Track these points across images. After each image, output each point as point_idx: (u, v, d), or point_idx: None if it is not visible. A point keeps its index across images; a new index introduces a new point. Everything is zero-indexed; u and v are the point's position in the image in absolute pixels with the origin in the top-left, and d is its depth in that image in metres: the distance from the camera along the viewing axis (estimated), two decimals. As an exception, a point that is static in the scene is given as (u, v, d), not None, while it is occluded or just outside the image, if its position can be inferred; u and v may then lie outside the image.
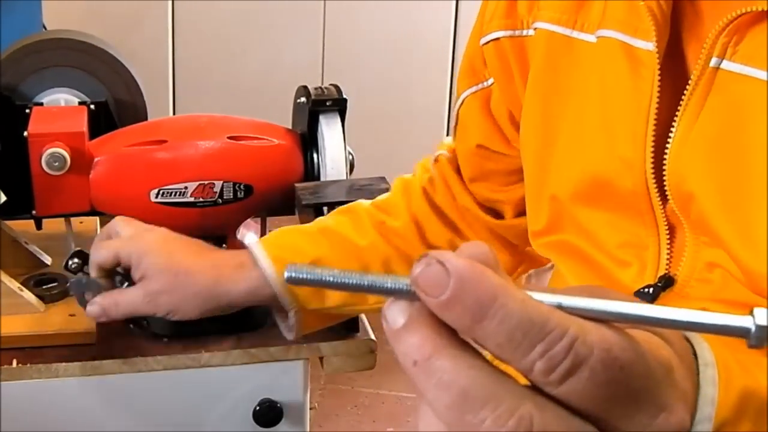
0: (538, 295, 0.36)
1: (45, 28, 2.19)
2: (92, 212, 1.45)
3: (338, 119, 1.48)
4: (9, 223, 1.45)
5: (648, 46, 0.69)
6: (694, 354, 0.41)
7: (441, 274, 0.34)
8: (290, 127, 1.83)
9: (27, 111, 1.55)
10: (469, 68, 0.93)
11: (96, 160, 1.44)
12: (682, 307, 0.71)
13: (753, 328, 0.34)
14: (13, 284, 1.28)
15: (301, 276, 0.38)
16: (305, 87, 1.90)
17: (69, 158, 1.39)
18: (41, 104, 1.67)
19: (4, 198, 1.51)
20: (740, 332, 0.34)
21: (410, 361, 0.35)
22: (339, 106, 1.50)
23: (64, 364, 1.22)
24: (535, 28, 0.81)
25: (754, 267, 0.63)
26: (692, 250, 0.68)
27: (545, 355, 0.34)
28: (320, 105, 1.74)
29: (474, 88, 0.94)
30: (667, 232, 0.70)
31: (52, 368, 1.22)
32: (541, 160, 0.81)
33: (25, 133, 1.41)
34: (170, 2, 3.14)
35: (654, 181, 0.68)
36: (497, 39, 0.87)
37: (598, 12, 0.75)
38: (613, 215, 0.74)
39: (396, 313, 0.36)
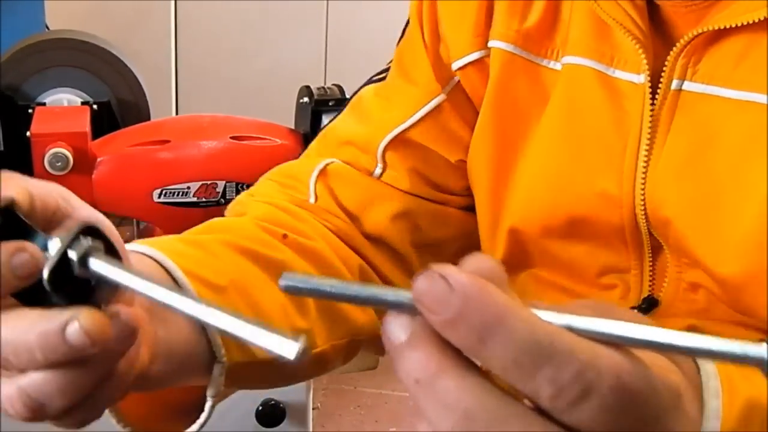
0: (546, 315, 0.34)
1: (48, 28, 2.19)
2: (95, 212, 1.44)
3: (341, 119, 1.48)
4: (12, 223, 1.45)
5: (632, 78, 0.66)
6: (697, 366, 0.40)
7: (444, 291, 0.32)
8: (293, 127, 1.84)
9: (30, 111, 1.55)
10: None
11: (99, 160, 1.44)
12: (668, 325, 0.70)
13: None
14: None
15: (297, 285, 0.36)
16: (308, 87, 1.90)
17: (72, 158, 1.39)
18: (44, 104, 1.67)
19: (6, 198, 1.50)
20: (756, 362, 0.33)
21: (412, 379, 0.33)
22: (341, 106, 1.49)
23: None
24: (489, 47, 0.75)
25: (732, 284, 0.62)
26: (674, 272, 0.67)
27: (553, 381, 0.32)
28: (323, 105, 1.74)
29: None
30: (650, 255, 0.68)
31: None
32: (496, 190, 0.76)
33: (28, 133, 1.41)
34: (173, 2, 3.14)
35: (643, 214, 0.66)
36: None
37: (563, 36, 0.71)
38: (593, 246, 0.70)
39: (398, 328, 0.34)
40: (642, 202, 0.65)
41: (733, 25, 0.59)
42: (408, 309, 0.34)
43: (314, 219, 0.77)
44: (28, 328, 0.42)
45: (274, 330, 0.35)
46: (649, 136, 0.64)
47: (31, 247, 0.41)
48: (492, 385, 0.33)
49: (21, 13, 2.07)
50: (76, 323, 0.41)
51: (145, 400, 0.59)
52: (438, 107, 0.78)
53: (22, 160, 1.41)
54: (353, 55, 3.14)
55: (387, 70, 0.84)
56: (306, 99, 1.72)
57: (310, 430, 1.36)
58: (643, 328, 0.34)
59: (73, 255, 0.40)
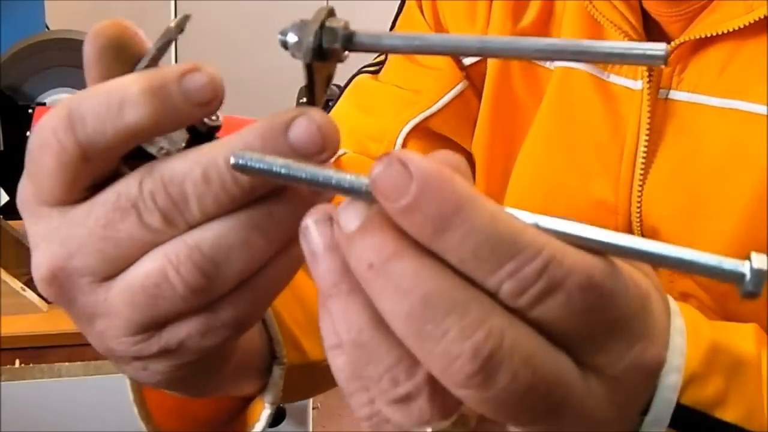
0: (513, 211, 0.31)
1: (47, 28, 2.19)
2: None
3: (341, 119, 1.48)
4: (12, 223, 1.45)
5: (629, 83, 0.65)
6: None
7: (402, 176, 0.29)
8: (293, 127, 1.83)
9: (30, 111, 1.56)
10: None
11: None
12: None
13: (748, 274, 0.30)
14: (16, 284, 1.28)
15: (249, 164, 0.33)
16: (308, 87, 1.90)
17: (72, 158, 1.38)
18: (44, 104, 1.67)
19: (6, 198, 1.51)
20: (733, 277, 0.30)
21: (365, 264, 0.30)
22: (341, 106, 1.49)
23: (66, 363, 1.22)
24: None
25: (717, 291, 0.62)
26: (666, 281, 0.67)
27: (515, 276, 0.30)
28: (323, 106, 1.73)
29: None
30: None
31: (55, 368, 1.22)
32: (491, 192, 0.74)
33: (28, 134, 1.41)
34: (173, 2, 3.14)
35: (638, 221, 0.66)
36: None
37: (557, 34, 0.70)
38: None
39: (351, 215, 0.31)
40: (638, 210, 0.65)
41: (716, 34, 0.59)
42: (364, 196, 0.31)
43: None
44: (247, 134, 0.36)
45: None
46: (646, 143, 0.64)
47: (207, 67, 0.35)
48: (454, 272, 0.30)
49: (21, 13, 2.07)
50: (304, 118, 0.36)
51: (177, 413, 0.56)
52: (462, 94, 0.76)
53: (22, 160, 1.41)
54: (352, 56, 3.13)
55: (379, 63, 0.81)
56: (306, 99, 1.71)
57: (310, 430, 1.36)
58: (617, 234, 0.31)
59: (338, 26, 0.34)
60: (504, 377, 0.30)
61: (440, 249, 0.30)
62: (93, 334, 0.38)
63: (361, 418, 0.33)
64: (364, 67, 0.83)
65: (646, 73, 0.63)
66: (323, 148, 0.35)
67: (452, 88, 0.75)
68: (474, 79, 0.75)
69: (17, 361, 1.21)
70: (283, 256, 0.37)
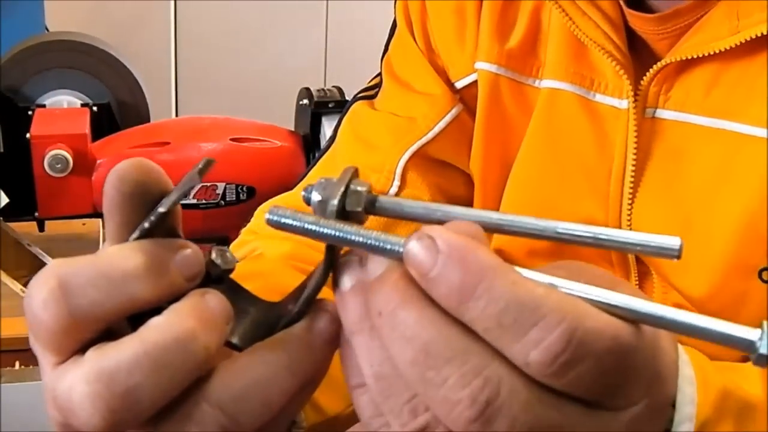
0: (532, 275, 0.32)
1: (47, 30, 2.19)
2: (95, 214, 1.45)
3: (341, 121, 1.48)
4: (11, 224, 1.45)
5: (614, 102, 0.64)
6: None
7: (430, 251, 0.32)
8: (292, 129, 1.84)
9: (29, 113, 1.55)
10: None
11: (98, 162, 1.44)
12: None
13: (760, 344, 0.30)
14: (16, 286, 1.28)
15: (282, 221, 0.35)
16: (307, 89, 1.90)
17: (71, 160, 1.39)
18: (44, 106, 1.67)
19: (6, 200, 1.51)
20: (742, 345, 0.31)
21: (377, 312, 0.33)
22: (341, 108, 1.50)
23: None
24: (476, 70, 0.72)
25: (707, 308, 0.61)
26: (660, 293, 0.67)
27: (540, 342, 0.30)
28: (323, 107, 1.74)
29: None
30: (637, 277, 0.68)
31: (55, 370, 1.22)
32: (487, 209, 0.75)
33: (28, 135, 1.41)
34: (173, 4, 3.14)
35: None
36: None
37: (545, 52, 0.69)
38: None
39: (378, 264, 0.34)
40: (628, 228, 0.65)
41: (700, 55, 0.59)
42: (395, 256, 0.33)
43: None
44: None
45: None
46: (634, 162, 0.64)
47: (193, 245, 0.37)
48: (457, 322, 0.32)
49: (21, 14, 2.07)
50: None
51: None
52: (457, 118, 0.76)
53: (21, 161, 1.41)
54: (353, 57, 3.13)
55: (375, 86, 0.81)
56: (306, 101, 1.72)
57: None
58: (633, 300, 0.32)
59: (361, 190, 0.35)
60: (502, 423, 0.31)
61: (467, 319, 0.31)
62: None
63: None
64: (360, 92, 0.83)
65: (632, 93, 0.63)
66: None
67: (447, 113, 0.75)
68: (468, 101, 0.75)
69: (17, 363, 1.21)
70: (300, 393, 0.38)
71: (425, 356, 0.31)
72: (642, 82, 0.62)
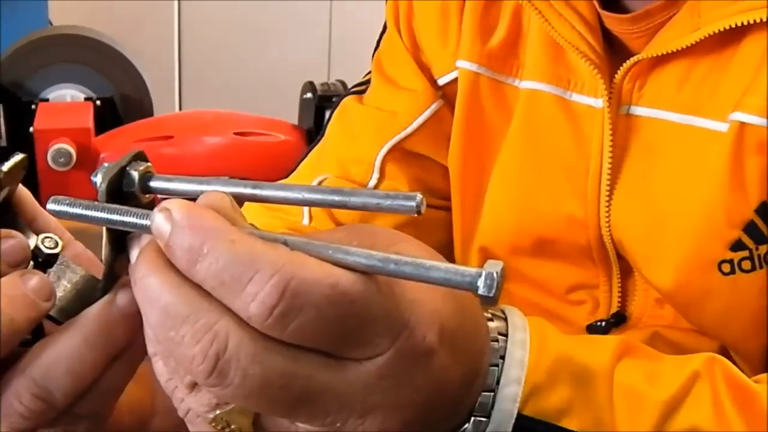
0: (265, 234, 0.34)
1: (51, 24, 2.19)
2: (98, 208, 1.45)
3: (344, 115, 1.48)
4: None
5: (590, 101, 0.66)
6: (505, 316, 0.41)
7: (167, 220, 0.34)
8: (296, 123, 1.83)
9: (33, 107, 1.55)
10: None
11: (102, 156, 1.44)
12: (635, 335, 0.68)
13: (480, 281, 0.32)
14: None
15: (63, 209, 0.38)
16: (311, 83, 1.90)
17: (75, 154, 1.39)
18: (47, 100, 1.67)
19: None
20: (465, 287, 0.32)
21: (133, 282, 0.35)
22: (345, 102, 1.50)
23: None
24: (457, 68, 0.74)
25: (678, 300, 0.63)
26: (642, 289, 0.68)
27: (257, 298, 0.32)
28: (326, 101, 1.74)
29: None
30: (619, 273, 0.69)
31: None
32: (466, 209, 0.76)
33: (31, 129, 1.41)
34: (176, 2, 3.14)
35: (609, 235, 0.67)
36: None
37: (525, 52, 0.71)
38: (561, 264, 0.70)
39: (134, 246, 0.38)
40: (607, 224, 0.66)
41: (669, 51, 0.60)
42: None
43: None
44: None
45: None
46: (611, 160, 0.65)
47: (18, 234, 0.41)
48: (192, 283, 0.34)
49: (24, 9, 2.07)
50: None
51: None
52: (437, 114, 0.78)
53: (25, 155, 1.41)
54: (356, 51, 3.13)
55: (366, 81, 0.83)
56: (309, 95, 1.72)
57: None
58: (360, 251, 0.33)
59: (134, 173, 0.39)
60: (236, 375, 0.33)
61: (198, 280, 0.33)
62: None
63: (183, 417, 0.37)
64: (353, 87, 0.85)
65: (606, 92, 0.64)
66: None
67: (428, 108, 0.76)
68: (449, 97, 0.76)
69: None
70: (114, 363, 0.41)
71: (165, 317, 0.34)
72: (615, 79, 0.63)
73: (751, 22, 0.55)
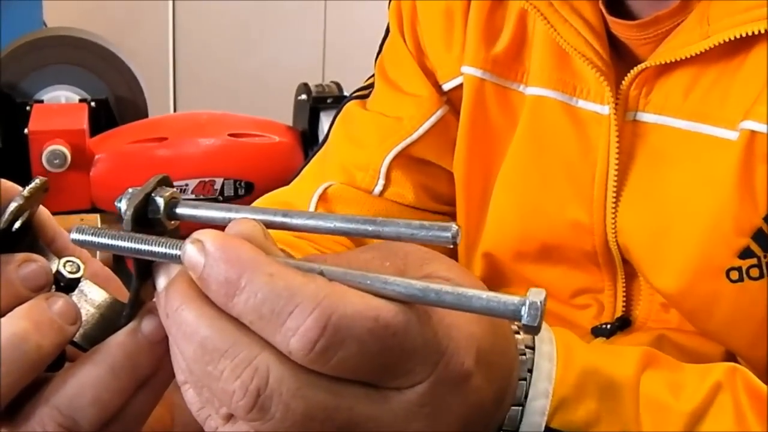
0: (302, 264, 0.34)
1: (45, 26, 2.18)
2: (93, 209, 1.45)
3: (339, 116, 1.48)
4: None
5: (596, 108, 0.66)
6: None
7: (197, 253, 0.33)
8: (291, 124, 1.84)
9: (27, 108, 1.55)
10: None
11: (97, 157, 1.44)
12: (642, 338, 0.68)
13: (524, 310, 0.32)
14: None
15: (87, 239, 0.37)
16: (306, 84, 1.90)
17: (69, 155, 1.39)
18: (42, 102, 1.67)
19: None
20: (511, 315, 0.32)
21: (164, 315, 0.35)
22: (339, 103, 1.50)
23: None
24: (462, 74, 0.74)
25: (685, 307, 0.64)
26: (647, 293, 0.68)
27: (296, 330, 0.32)
28: (321, 102, 1.74)
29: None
30: (623, 277, 0.69)
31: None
32: (470, 215, 0.76)
33: (26, 131, 1.41)
34: (171, 2, 3.14)
35: (615, 240, 0.67)
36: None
37: (530, 58, 0.71)
38: (566, 269, 0.71)
39: (162, 276, 0.37)
40: (613, 230, 0.66)
41: (675, 60, 0.60)
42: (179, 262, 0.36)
43: (313, 248, 0.75)
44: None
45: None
46: (617, 166, 0.65)
47: (40, 258, 0.39)
48: (232, 318, 0.33)
49: (19, 10, 2.07)
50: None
51: None
52: (442, 119, 0.78)
53: (20, 157, 1.41)
54: (351, 53, 3.13)
55: (369, 86, 0.82)
56: (304, 96, 1.72)
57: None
58: (399, 281, 0.33)
59: (159, 199, 0.37)
60: (277, 409, 0.33)
61: (236, 313, 0.33)
62: None
63: None
64: (356, 91, 0.84)
65: (613, 99, 0.64)
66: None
67: (433, 114, 0.76)
68: (454, 102, 0.76)
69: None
70: (140, 390, 0.40)
71: (203, 351, 0.33)
72: (622, 85, 0.63)
73: (762, 31, 0.55)
